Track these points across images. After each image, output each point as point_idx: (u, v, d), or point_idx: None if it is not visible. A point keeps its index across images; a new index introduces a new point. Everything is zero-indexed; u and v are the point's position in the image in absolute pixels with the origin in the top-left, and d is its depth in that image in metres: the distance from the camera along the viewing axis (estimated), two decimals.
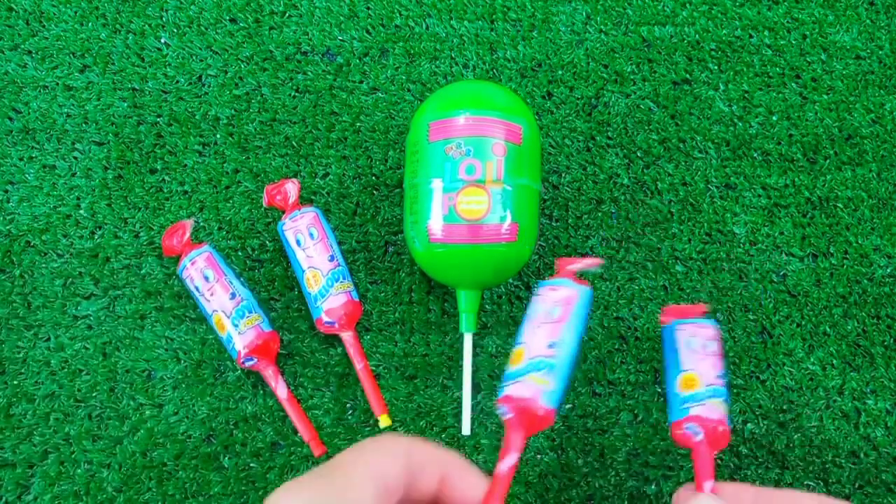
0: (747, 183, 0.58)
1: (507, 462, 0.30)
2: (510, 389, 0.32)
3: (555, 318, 0.32)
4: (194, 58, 0.60)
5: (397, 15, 0.61)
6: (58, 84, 0.59)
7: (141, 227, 0.56)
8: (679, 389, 0.35)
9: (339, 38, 0.60)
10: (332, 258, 0.52)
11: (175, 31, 0.60)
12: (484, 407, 0.53)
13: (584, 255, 0.36)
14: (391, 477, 0.24)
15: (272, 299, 0.55)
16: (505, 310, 0.55)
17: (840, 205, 0.58)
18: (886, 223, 0.58)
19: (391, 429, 0.53)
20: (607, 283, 0.56)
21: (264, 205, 0.54)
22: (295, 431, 0.52)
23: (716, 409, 0.36)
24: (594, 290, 0.36)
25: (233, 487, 0.51)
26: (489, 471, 0.52)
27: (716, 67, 0.61)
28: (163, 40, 0.60)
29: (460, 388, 0.53)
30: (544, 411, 0.31)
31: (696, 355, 0.36)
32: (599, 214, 0.57)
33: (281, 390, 0.52)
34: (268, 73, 0.59)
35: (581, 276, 0.35)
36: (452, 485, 0.26)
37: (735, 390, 0.54)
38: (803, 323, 0.56)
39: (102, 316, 0.54)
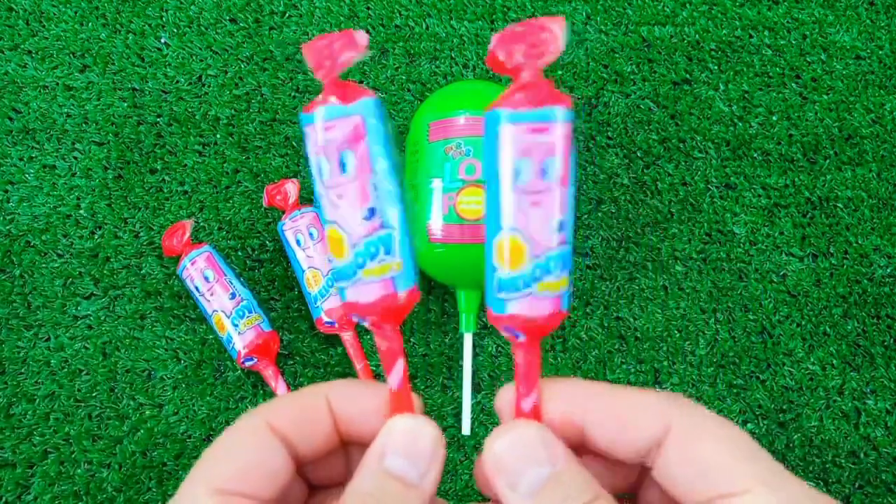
0: (747, 183, 0.58)
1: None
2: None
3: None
4: (194, 58, 0.60)
5: (397, 15, 0.61)
6: (58, 84, 0.59)
7: (141, 227, 0.56)
8: (496, 261, 0.21)
9: None
10: None
11: (175, 31, 0.60)
12: (484, 407, 0.53)
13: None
14: (249, 474, 0.20)
15: (272, 299, 0.55)
16: None
17: (840, 205, 0.58)
18: (886, 223, 0.58)
19: None
20: (607, 283, 0.56)
21: (264, 205, 0.54)
22: None
23: (545, 300, 0.22)
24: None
25: None
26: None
27: (716, 67, 0.61)
28: (163, 40, 0.60)
29: (460, 388, 0.53)
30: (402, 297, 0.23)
31: (524, 198, 0.21)
32: (599, 214, 0.57)
33: (281, 390, 0.52)
34: (268, 73, 0.59)
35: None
36: (346, 415, 0.22)
37: (735, 390, 0.54)
38: (803, 323, 0.56)
39: (102, 316, 0.54)
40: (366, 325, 0.23)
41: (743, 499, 0.18)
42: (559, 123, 0.20)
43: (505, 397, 0.23)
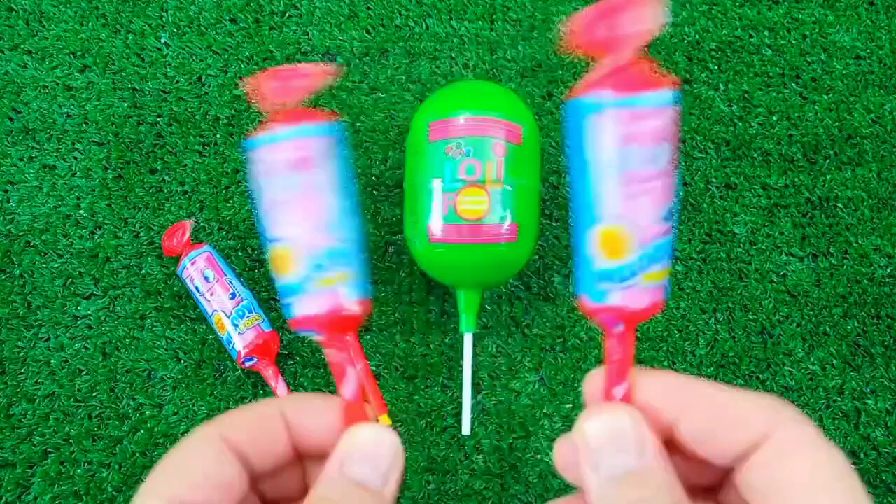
0: (747, 183, 0.58)
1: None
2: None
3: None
4: (194, 58, 0.60)
5: (397, 15, 0.61)
6: (58, 84, 0.59)
7: (141, 227, 0.56)
8: (594, 251, 0.20)
9: (339, 38, 0.60)
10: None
11: (175, 31, 0.60)
12: (484, 407, 0.53)
13: None
14: (202, 486, 0.20)
15: (272, 299, 0.55)
16: (505, 310, 0.55)
17: (840, 205, 0.58)
18: (886, 223, 0.58)
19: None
20: None
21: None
22: None
23: (648, 290, 0.21)
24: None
25: None
26: (486, 470, 0.52)
27: (716, 67, 0.61)
28: (163, 40, 0.60)
29: (460, 388, 0.53)
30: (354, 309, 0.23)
31: (630, 187, 0.19)
32: None
33: (281, 390, 0.52)
34: None
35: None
36: (301, 428, 0.22)
37: None
38: (803, 323, 0.56)
39: (102, 316, 0.54)
40: (315, 339, 0.23)
41: None
42: (667, 108, 0.19)
43: (594, 382, 0.22)
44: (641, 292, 0.21)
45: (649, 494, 0.19)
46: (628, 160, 0.19)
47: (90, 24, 0.60)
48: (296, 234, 0.22)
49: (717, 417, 0.20)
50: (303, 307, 0.22)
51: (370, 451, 0.21)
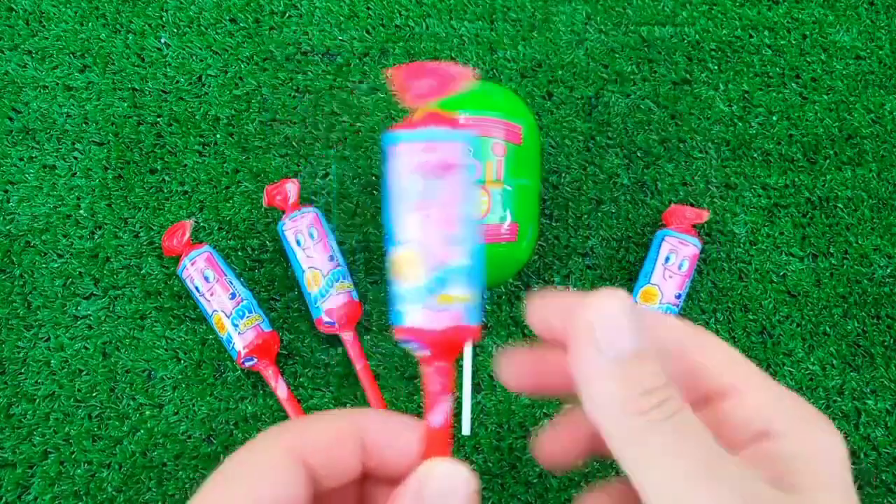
0: (747, 183, 0.58)
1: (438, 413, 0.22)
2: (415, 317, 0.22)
3: (439, 198, 0.21)
4: (194, 58, 0.60)
5: (397, 15, 0.61)
6: (58, 84, 0.59)
7: (141, 227, 0.56)
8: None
9: (339, 38, 0.60)
10: (332, 258, 0.52)
11: (175, 31, 0.60)
12: (484, 407, 0.53)
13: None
14: (280, 494, 0.20)
15: (272, 299, 0.55)
16: (505, 310, 0.55)
17: (840, 205, 0.58)
18: (886, 223, 0.58)
19: None
20: (607, 283, 0.56)
21: (264, 205, 0.54)
22: None
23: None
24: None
25: None
26: (486, 470, 0.52)
27: (716, 67, 0.61)
28: (163, 40, 0.60)
29: (460, 388, 0.53)
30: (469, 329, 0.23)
31: (666, 271, 0.32)
32: (599, 214, 0.57)
33: (281, 390, 0.52)
34: (268, 73, 0.59)
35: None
36: (376, 449, 0.21)
37: None
38: (803, 323, 0.56)
39: (102, 316, 0.54)
40: (418, 356, 0.22)
41: (739, 400, 0.21)
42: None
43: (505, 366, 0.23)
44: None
45: (649, 373, 0.19)
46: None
47: (90, 24, 0.60)
48: (427, 241, 0.21)
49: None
50: (418, 318, 0.21)
51: (448, 490, 0.20)
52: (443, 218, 0.21)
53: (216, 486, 0.20)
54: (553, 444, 0.23)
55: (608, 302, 0.20)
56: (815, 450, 0.20)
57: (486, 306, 0.55)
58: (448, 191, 0.21)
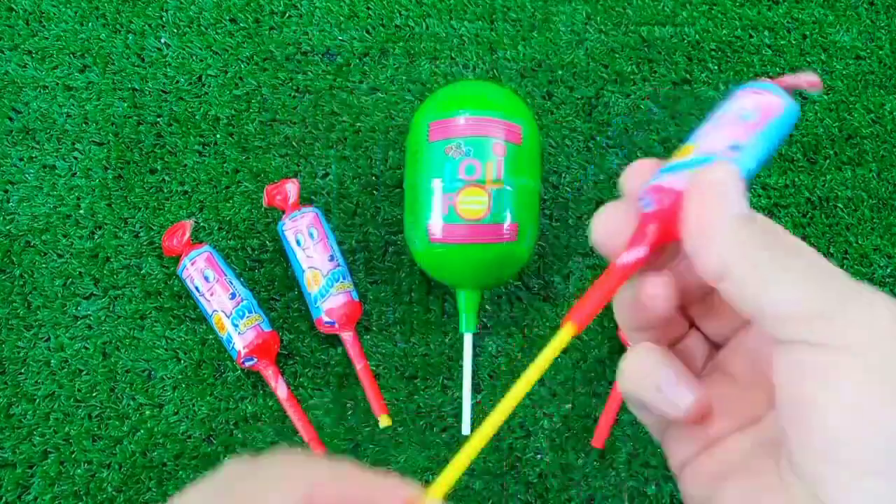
0: (747, 183, 0.58)
1: (632, 255, 0.23)
2: (664, 179, 0.23)
3: (748, 122, 0.24)
4: (194, 58, 0.60)
5: (397, 15, 0.61)
6: (58, 84, 0.59)
7: (141, 227, 0.56)
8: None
9: (339, 38, 0.60)
10: (332, 258, 0.52)
11: (175, 31, 0.60)
12: (484, 407, 0.53)
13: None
14: None
15: (272, 299, 0.55)
16: (505, 310, 0.55)
17: (840, 205, 0.58)
18: (886, 223, 0.58)
19: (391, 429, 0.53)
20: None
21: (264, 205, 0.54)
22: (295, 431, 0.52)
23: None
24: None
25: None
26: (486, 470, 0.52)
27: (716, 67, 0.61)
28: (163, 40, 0.60)
29: (460, 388, 0.53)
30: None
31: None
32: None
33: (281, 390, 0.52)
34: (268, 73, 0.59)
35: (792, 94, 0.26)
36: None
37: None
38: None
39: (102, 316, 0.54)
40: (644, 210, 0.24)
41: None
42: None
43: (635, 176, 0.25)
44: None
45: (780, 228, 0.21)
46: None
47: (90, 24, 0.60)
48: (713, 140, 0.24)
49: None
50: (665, 179, 0.24)
51: None
52: (737, 132, 0.24)
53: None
54: (650, 292, 0.23)
55: (727, 167, 0.22)
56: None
57: (486, 306, 0.55)
58: (753, 120, 0.24)
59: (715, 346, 0.25)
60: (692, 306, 0.25)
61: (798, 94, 0.60)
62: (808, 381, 0.19)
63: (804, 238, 0.57)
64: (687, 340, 0.25)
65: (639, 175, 0.24)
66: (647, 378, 0.23)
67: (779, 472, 0.20)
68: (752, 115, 0.24)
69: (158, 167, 0.57)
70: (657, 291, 0.23)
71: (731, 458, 0.22)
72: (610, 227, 0.24)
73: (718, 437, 0.23)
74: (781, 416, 0.20)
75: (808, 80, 0.26)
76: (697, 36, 0.61)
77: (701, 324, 0.25)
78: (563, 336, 0.24)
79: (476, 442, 0.23)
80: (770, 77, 0.27)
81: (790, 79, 0.26)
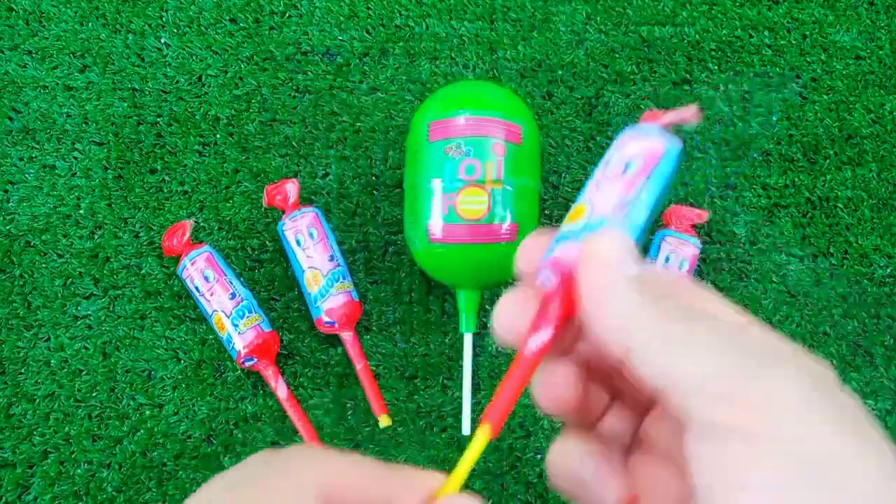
0: (747, 183, 0.58)
1: (538, 339, 0.22)
2: (559, 251, 0.23)
3: (632, 172, 0.24)
4: (194, 58, 0.60)
5: (397, 15, 0.61)
6: (58, 84, 0.59)
7: (141, 227, 0.56)
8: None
9: (339, 38, 0.60)
10: (332, 258, 0.52)
11: (175, 31, 0.60)
12: (484, 407, 0.53)
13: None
14: None
15: (272, 299, 0.55)
16: None
17: (840, 205, 0.58)
18: (886, 223, 0.58)
19: (391, 429, 0.53)
20: None
21: (264, 205, 0.54)
22: (295, 431, 0.52)
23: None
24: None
25: None
26: (486, 470, 0.52)
27: (716, 67, 0.61)
28: (163, 40, 0.60)
29: (460, 388, 0.53)
30: None
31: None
32: None
33: (281, 390, 0.52)
34: (268, 73, 0.59)
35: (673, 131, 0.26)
36: None
37: None
38: (803, 323, 0.56)
39: (102, 316, 0.54)
40: (543, 282, 0.23)
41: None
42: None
43: (528, 253, 0.24)
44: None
45: (667, 282, 0.21)
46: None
47: (90, 24, 0.60)
48: (601, 200, 0.24)
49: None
50: (560, 251, 0.23)
51: None
52: (624, 188, 0.24)
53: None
54: (551, 383, 0.23)
55: (613, 234, 0.22)
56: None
57: (486, 306, 0.55)
58: (636, 170, 0.24)
59: (639, 418, 0.24)
60: (610, 377, 0.24)
61: (798, 93, 0.61)
62: (721, 480, 0.17)
63: (804, 238, 0.57)
64: (610, 416, 0.24)
65: (531, 252, 0.24)
66: (572, 474, 0.23)
67: None
68: (635, 164, 0.24)
69: (158, 167, 0.57)
70: (563, 379, 0.22)
71: None
72: (511, 316, 0.23)
73: None
74: (697, 499, 0.18)
75: (687, 114, 0.25)
76: (697, 36, 0.61)
77: (621, 393, 0.24)
78: (481, 440, 0.23)
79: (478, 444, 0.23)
80: (654, 111, 0.26)
81: (672, 115, 0.25)
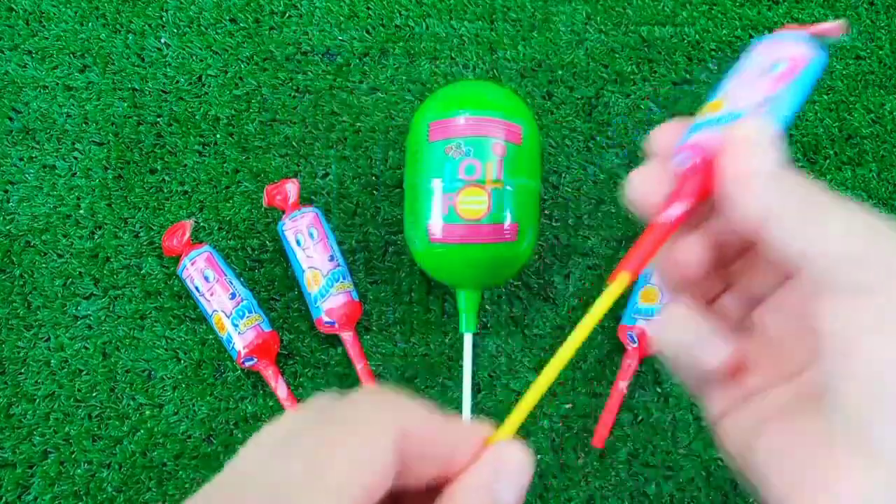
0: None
1: (674, 210, 0.23)
2: (698, 136, 0.24)
3: (776, 74, 0.24)
4: (194, 58, 0.60)
5: (397, 15, 0.61)
6: (58, 84, 0.59)
7: (141, 227, 0.56)
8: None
9: (339, 38, 0.60)
10: (332, 258, 0.52)
11: (175, 31, 0.60)
12: (484, 407, 0.53)
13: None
14: (372, 482, 0.19)
15: (272, 299, 0.55)
16: (505, 310, 0.55)
17: None
18: None
19: None
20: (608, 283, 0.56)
21: (264, 205, 0.54)
22: None
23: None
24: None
25: None
26: None
27: (716, 67, 0.61)
28: (163, 40, 0.60)
29: (460, 388, 0.53)
30: None
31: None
32: (599, 214, 0.57)
33: (281, 390, 0.52)
34: (268, 73, 0.59)
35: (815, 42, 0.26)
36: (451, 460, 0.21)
37: None
38: None
39: (102, 316, 0.54)
40: (680, 168, 0.24)
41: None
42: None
43: (664, 135, 0.25)
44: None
45: (818, 184, 0.22)
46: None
47: (90, 24, 0.60)
48: (743, 95, 0.25)
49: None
50: (700, 136, 0.24)
51: (516, 472, 0.21)
52: (768, 86, 0.24)
53: (320, 446, 0.19)
54: (682, 252, 0.24)
55: (760, 122, 0.23)
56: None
57: (486, 306, 0.55)
58: (781, 71, 0.25)
59: (749, 307, 0.25)
60: (727, 266, 0.25)
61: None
62: (853, 326, 0.19)
63: None
64: (722, 300, 0.25)
65: (668, 134, 0.25)
66: (682, 333, 0.23)
67: (821, 419, 0.20)
68: (782, 65, 0.25)
69: (158, 167, 0.57)
70: (692, 250, 0.23)
71: (770, 409, 0.22)
72: (647, 185, 0.24)
73: (756, 390, 0.23)
74: (826, 362, 0.20)
75: (832, 27, 0.26)
76: (697, 36, 0.61)
77: (736, 283, 0.25)
78: (618, 285, 0.24)
79: (540, 384, 0.23)
80: (795, 25, 0.27)
81: (819, 26, 0.26)
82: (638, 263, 0.23)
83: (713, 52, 0.61)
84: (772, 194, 0.21)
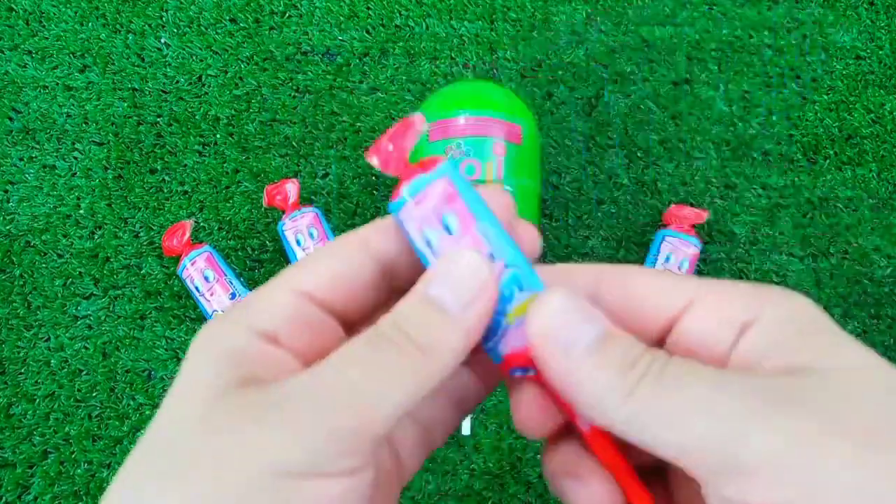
0: (747, 183, 0.58)
1: (583, 420, 0.20)
2: (504, 344, 0.21)
3: (456, 228, 0.21)
4: (194, 58, 0.60)
5: (397, 15, 0.61)
6: (58, 84, 0.59)
7: (141, 227, 0.56)
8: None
9: (339, 38, 0.60)
10: None
11: (175, 31, 0.60)
12: (484, 407, 0.53)
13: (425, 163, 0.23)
14: (336, 282, 0.21)
15: None
16: None
17: (840, 205, 0.58)
18: (886, 223, 0.58)
19: None
20: None
21: (264, 205, 0.54)
22: None
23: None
24: None
25: None
26: (486, 470, 0.52)
27: (716, 67, 0.61)
28: (163, 40, 0.60)
29: None
30: None
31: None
32: (599, 214, 0.57)
33: None
34: (268, 73, 0.59)
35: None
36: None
37: None
38: None
39: (102, 316, 0.54)
40: (530, 377, 0.21)
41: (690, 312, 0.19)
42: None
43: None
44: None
45: (627, 346, 0.18)
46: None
47: (90, 24, 0.60)
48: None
49: (633, 297, 0.20)
50: (509, 344, 0.20)
51: (456, 276, 0.19)
52: (473, 244, 0.21)
53: (291, 269, 0.22)
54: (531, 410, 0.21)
55: (550, 302, 0.19)
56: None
57: None
58: (464, 214, 0.21)
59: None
60: None
61: (800, 95, 0.61)
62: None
63: (804, 238, 0.57)
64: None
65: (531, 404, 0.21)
66: (569, 470, 0.21)
67: None
68: (449, 218, 0.21)
69: (158, 167, 0.57)
70: (530, 412, 0.21)
71: None
72: (536, 418, 0.21)
73: None
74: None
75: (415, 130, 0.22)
76: (697, 36, 0.61)
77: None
78: None
79: None
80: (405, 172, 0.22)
81: (412, 168, 0.22)
82: (635, 491, 0.20)
83: (713, 52, 0.61)
84: (599, 392, 0.18)
